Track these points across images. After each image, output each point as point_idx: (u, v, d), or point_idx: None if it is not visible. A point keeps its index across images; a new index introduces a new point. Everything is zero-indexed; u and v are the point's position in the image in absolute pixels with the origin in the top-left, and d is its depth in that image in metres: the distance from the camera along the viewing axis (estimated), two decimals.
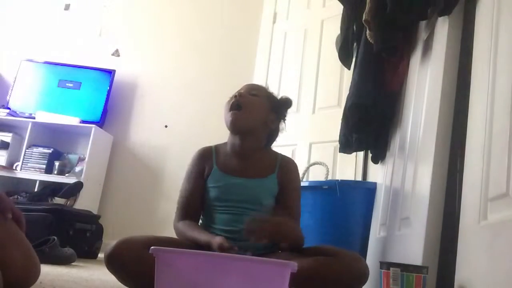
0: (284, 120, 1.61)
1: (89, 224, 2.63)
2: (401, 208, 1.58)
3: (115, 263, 1.25)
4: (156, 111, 3.60)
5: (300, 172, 1.78)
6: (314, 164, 2.32)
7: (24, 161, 3.28)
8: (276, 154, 1.58)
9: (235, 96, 1.51)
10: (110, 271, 1.28)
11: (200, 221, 1.54)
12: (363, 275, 1.28)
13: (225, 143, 1.57)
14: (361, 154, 2.46)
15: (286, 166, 1.54)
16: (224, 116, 1.52)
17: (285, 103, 1.61)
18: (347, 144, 2.10)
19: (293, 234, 1.35)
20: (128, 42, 3.78)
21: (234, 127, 1.50)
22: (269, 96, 1.57)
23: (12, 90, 3.56)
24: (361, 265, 1.29)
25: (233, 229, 1.43)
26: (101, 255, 2.55)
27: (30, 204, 2.59)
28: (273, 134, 1.59)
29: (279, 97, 1.61)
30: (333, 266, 1.25)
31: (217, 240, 1.28)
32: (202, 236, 1.36)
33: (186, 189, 1.52)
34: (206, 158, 1.54)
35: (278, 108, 1.57)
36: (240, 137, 1.51)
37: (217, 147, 1.57)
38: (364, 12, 1.75)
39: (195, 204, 1.51)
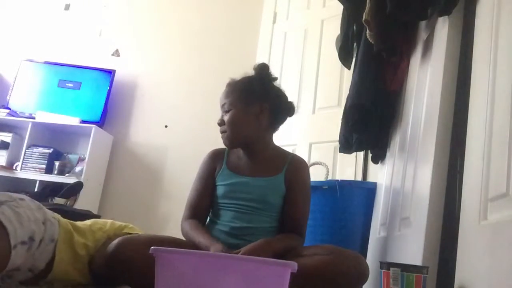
0: (274, 81, 1.56)
1: None
2: (401, 208, 1.58)
3: (116, 262, 1.25)
4: (156, 111, 3.60)
5: None
6: (314, 164, 2.31)
7: (24, 161, 3.27)
8: (287, 154, 1.57)
9: (218, 123, 1.52)
10: (112, 270, 1.28)
11: (208, 217, 1.55)
12: (363, 275, 1.28)
13: None
14: (361, 154, 2.46)
15: (295, 166, 1.53)
16: None
17: (262, 76, 1.54)
18: (347, 144, 2.10)
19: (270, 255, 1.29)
20: (128, 42, 3.78)
21: (230, 147, 1.54)
22: (243, 93, 1.51)
23: (12, 90, 3.55)
24: (361, 264, 1.29)
25: (239, 226, 1.44)
26: None
27: None
28: (275, 114, 1.53)
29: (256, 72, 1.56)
30: (333, 265, 1.25)
31: (216, 247, 1.28)
32: (203, 240, 1.36)
33: (196, 188, 1.54)
34: (217, 159, 1.57)
35: (260, 93, 1.51)
36: (242, 149, 1.55)
37: (230, 149, 1.59)
38: (364, 12, 1.75)
39: (204, 204, 1.53)
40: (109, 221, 1.54)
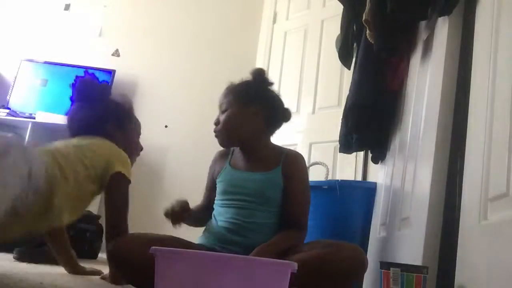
0: (271, 85, 1.60)
1: (89, 224, 2.64)
2: (401, 208, 1.58)
3: (117, 262, 1.26)
4: (156, 111, 3.59)
5: None
6: (314, 164, 2.31)
7: None
8: (282, 149, 1.59)
9: (214, 123, 1.57)
10: (114, 264, 1.29)
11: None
12: (361, 265, 1.28)
13: None
14: (361, 154, 2.46)
15: (291, 159, 1.54)
16: None
17: (258, 80, 1.59)
18: (347, 144, 2.10)
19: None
20: (128, 42, 3.78)
21: (224, 146, 1.61)
22: (239, 94, 1.56)
23: (12, 90, 3.55)
24: (359, 254, 1.29)
25: (236, 222, 1.45)
26: (101, 255, 2.56)
27: None
28: (270, 118, 1.56)
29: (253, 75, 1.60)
30: (331, 257, 1.26)
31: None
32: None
33: (205, 186, 1.68)
34: (222, 158, 1.63)
35: (255, 96, 1.56)
36: (238, 147, 1.59)
37: (235, 148, 1.63)
38: (364, 12, 1.75)
39: (209, 199, 1.63)
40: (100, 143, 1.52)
